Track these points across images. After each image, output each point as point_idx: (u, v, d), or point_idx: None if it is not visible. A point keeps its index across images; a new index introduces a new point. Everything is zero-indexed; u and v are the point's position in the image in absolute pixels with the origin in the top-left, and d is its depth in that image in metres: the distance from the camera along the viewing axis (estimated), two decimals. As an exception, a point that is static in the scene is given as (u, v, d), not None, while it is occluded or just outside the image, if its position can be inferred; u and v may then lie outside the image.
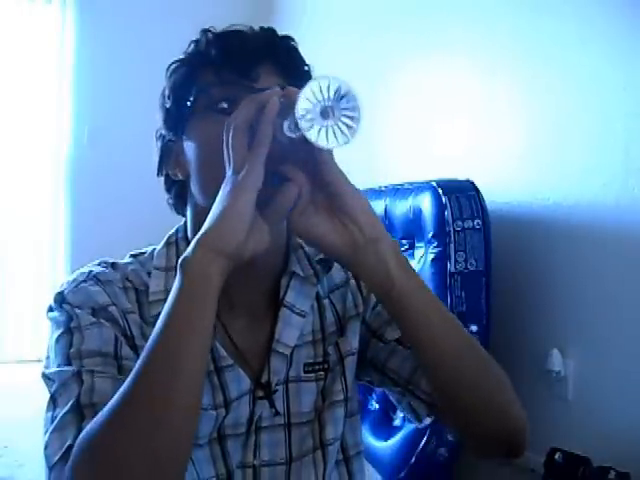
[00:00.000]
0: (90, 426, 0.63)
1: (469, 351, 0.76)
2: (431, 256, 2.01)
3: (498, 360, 0.79)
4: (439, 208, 2.00)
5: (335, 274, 0.88)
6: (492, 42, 2.33)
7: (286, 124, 0.65)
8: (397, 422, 2.11)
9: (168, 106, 0.83)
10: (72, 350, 0.72)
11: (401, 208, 2.17)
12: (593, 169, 1.96)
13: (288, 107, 0.64)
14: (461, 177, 2.11)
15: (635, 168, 1.84)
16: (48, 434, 0.68)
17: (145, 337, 0.74)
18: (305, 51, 0.84)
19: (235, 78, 0.74)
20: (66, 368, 0.71)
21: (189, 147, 0.81)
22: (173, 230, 0.87)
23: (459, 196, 2.02)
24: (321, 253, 0.72)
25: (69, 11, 3.46)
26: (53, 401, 0.70)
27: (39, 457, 0.69)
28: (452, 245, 1.99)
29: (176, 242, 0.85)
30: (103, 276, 0.80)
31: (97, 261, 0.83)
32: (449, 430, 0.84)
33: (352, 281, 0.88)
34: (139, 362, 0.64)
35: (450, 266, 1.98)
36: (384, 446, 2.09)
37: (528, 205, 2.16)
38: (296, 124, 0.63)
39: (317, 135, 0.62)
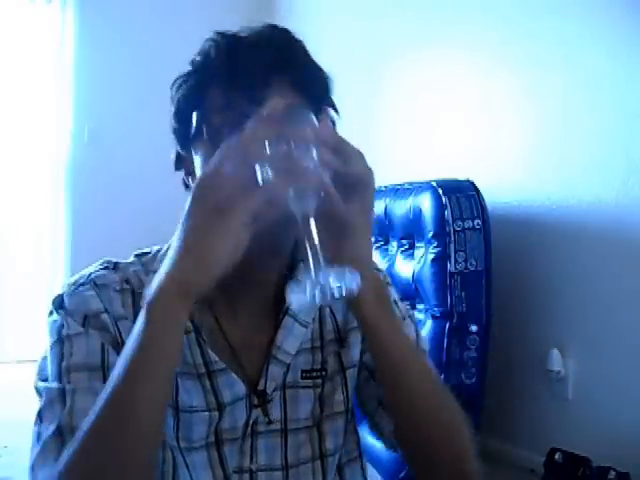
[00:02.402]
0: (62, 457, 0.66)
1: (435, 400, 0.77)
2: (431, 256, 2.01)
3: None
4: (439, 208, 2.00)
5: None
6: (493, 42, 2.33)
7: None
8: (397, 422, 2.11)
9: (174, 127, 0.81)
10: (63, 364, 0.75)
11: (401, 208, 2.17)
12: (593, 169, 1.96)
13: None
14: (461, 177, 2.11)
15: (635, 168, 1.84)
16: (34, 455, 0.71)
17: None
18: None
19: (240, 102, 0.72)
20: (53, 385, 0.75)
21: (198, 161, 0.80)
22: None
23: (459, 196, 2.02)
24: None
25: (69, 11, 3.46)
26: (40, 416, 0.74)
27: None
28: (452, 245, 1.99)
29: None
30: (101, 280, 0.79)
31: (101, 260, 0.83)
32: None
33: None
34: (97, 401, 0.66)
35: (450, 266, 1.98)
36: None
37: (528, 205, 2.16)
38: None
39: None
